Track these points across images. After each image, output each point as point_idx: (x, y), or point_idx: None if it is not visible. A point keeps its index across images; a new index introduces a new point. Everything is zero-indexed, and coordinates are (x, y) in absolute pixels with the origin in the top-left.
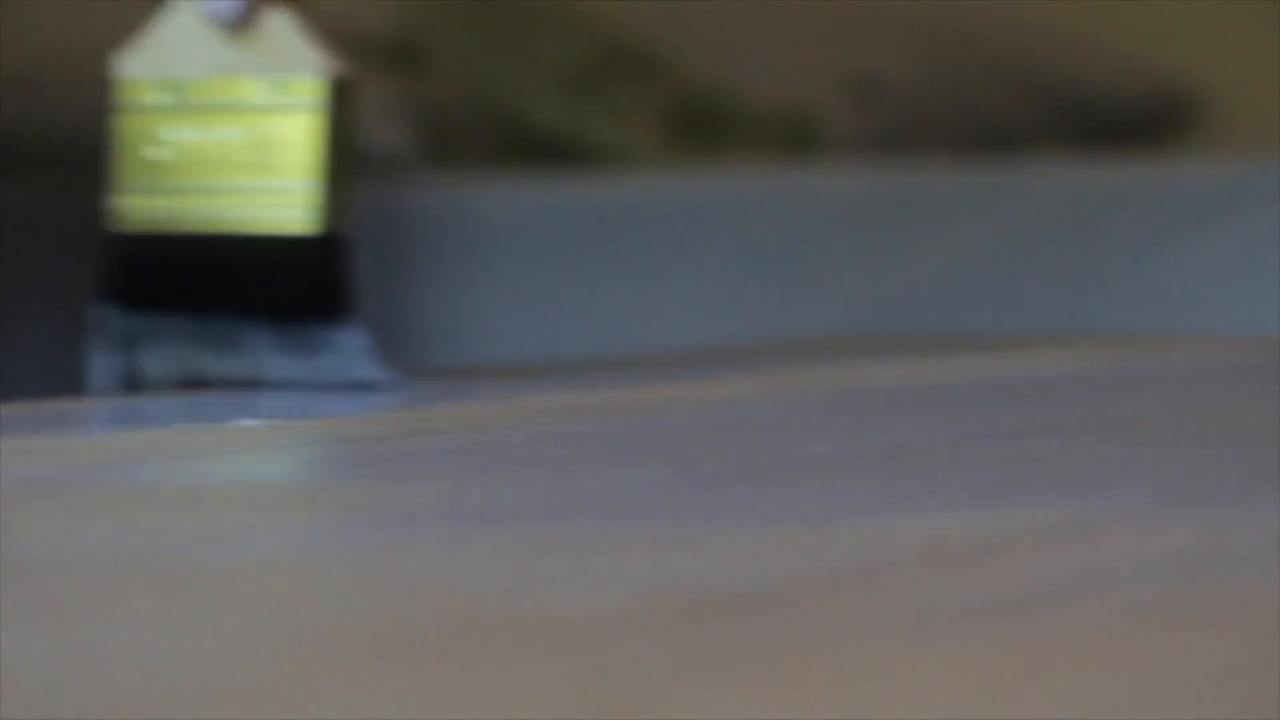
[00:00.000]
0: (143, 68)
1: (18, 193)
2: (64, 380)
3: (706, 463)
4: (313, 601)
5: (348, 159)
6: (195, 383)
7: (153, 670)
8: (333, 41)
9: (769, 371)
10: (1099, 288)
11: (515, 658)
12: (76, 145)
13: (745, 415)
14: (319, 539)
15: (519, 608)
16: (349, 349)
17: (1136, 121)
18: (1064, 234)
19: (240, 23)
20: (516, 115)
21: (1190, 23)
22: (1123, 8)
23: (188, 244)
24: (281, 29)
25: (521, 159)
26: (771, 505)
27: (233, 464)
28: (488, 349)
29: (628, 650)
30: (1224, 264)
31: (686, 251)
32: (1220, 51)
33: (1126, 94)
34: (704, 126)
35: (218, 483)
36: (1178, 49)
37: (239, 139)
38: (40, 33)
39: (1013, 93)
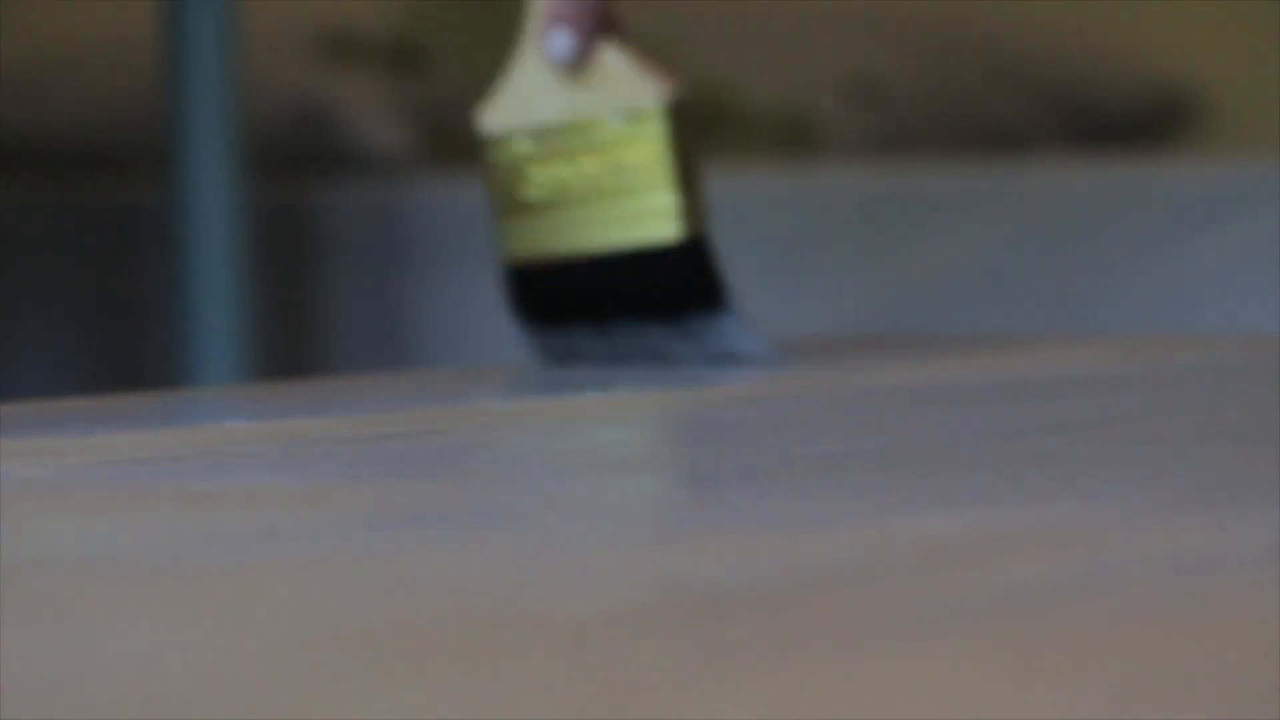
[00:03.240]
0: (506, 120)
1: (18, 193)
2: (64, 380)
3: (706, 463)
4: (313, 601)
5: (693, 166)
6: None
7: (153, 670)
8: (659, 63)
9: (769, 371)
10: (1099, 288)
11: (515, 658)
12: (76, 145)
13: (745, 415)
14: (319, 539)
15: (519, 608)
16: (729, 331)
17: (1136, 121)
18: (1064, 234)
19: (576, 60)
20: None
21: (1190, 23)
22: (1123, 8)
23: (575, 268)
24: (616, 62)
25: None
26: (771, 505)
27: (232, 464)
28: (487, 349)
29: (628, 650)
30: (1224, 264)
31: None
32: (1220, 51)
33: (1126, 94)
34: (704, 126)
35: (218, 483)
36: (1178, 49)
37: (599, 170)
38: (40, 33)
39: (1013, 93)
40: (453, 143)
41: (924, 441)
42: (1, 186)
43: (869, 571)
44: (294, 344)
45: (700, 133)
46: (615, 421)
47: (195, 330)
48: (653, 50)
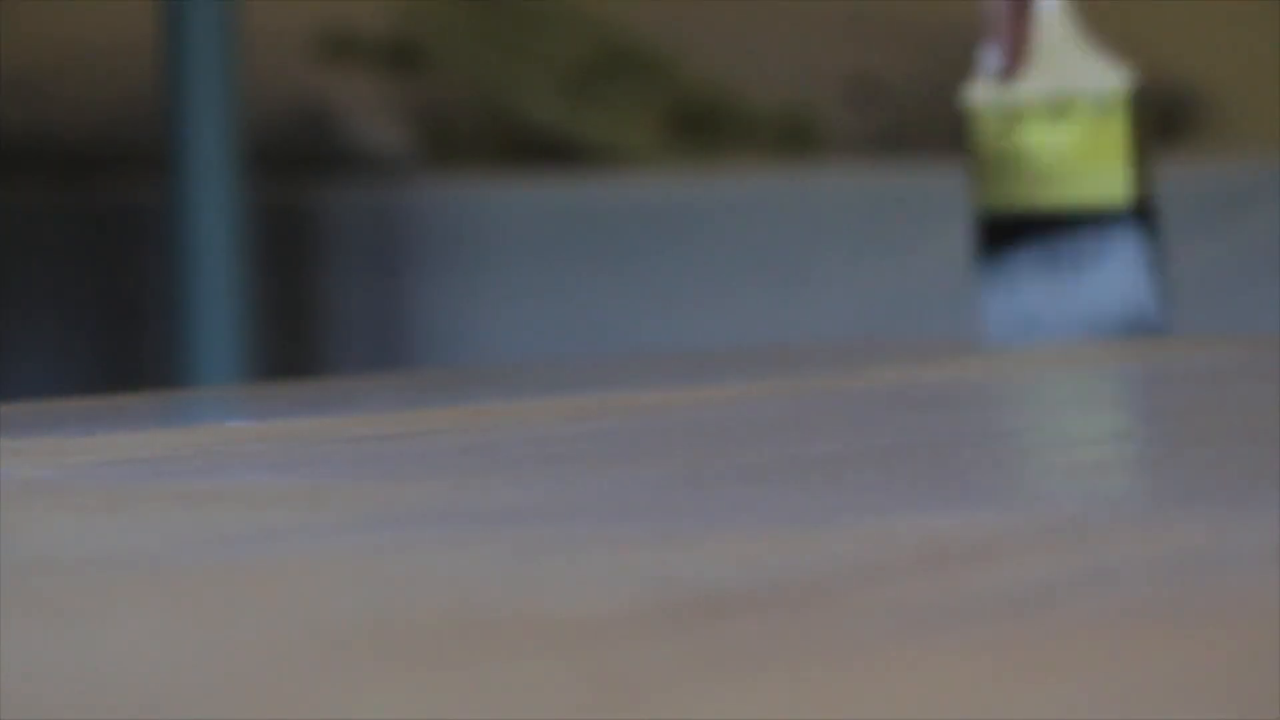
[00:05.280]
0: (987, 96)
1: (18, 193)
2: (64, 380)
3: (706, 463)
4: (313, 601)
5: (1147, 142)
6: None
7: (153, 670)
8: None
9: (769, 372)
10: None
11: (515, 658)
12: (76, 145)
13: (745, 415)
14: (319, 539)
15: (519, 608)
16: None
17: None
18: None
19: (1008, 73)
20: (516, 115)
21: (1190, 23)
22: (1123, 8)
23: (1040, 221)
24: (1079, 56)
25: (521, 159)
26: (771, 505)
27: (232, 464)
28: (488, 349)
29: (628, 650)
30: (1224, 264)
31: (686, 251)
32: (1220, 51)
33: None
34: (704, 126)
35: (218, 483)
36: (1178, 49)
37: (1064, 142)
38: (40, 34)
39: None
40: (453, 143)
41: (924, 441)
42: (2, 187)
43: (869, 571)
44: (294, 344)
45: (700, 133)
46: (611, 419)
47: (195, 330)
48: (653, 51)
